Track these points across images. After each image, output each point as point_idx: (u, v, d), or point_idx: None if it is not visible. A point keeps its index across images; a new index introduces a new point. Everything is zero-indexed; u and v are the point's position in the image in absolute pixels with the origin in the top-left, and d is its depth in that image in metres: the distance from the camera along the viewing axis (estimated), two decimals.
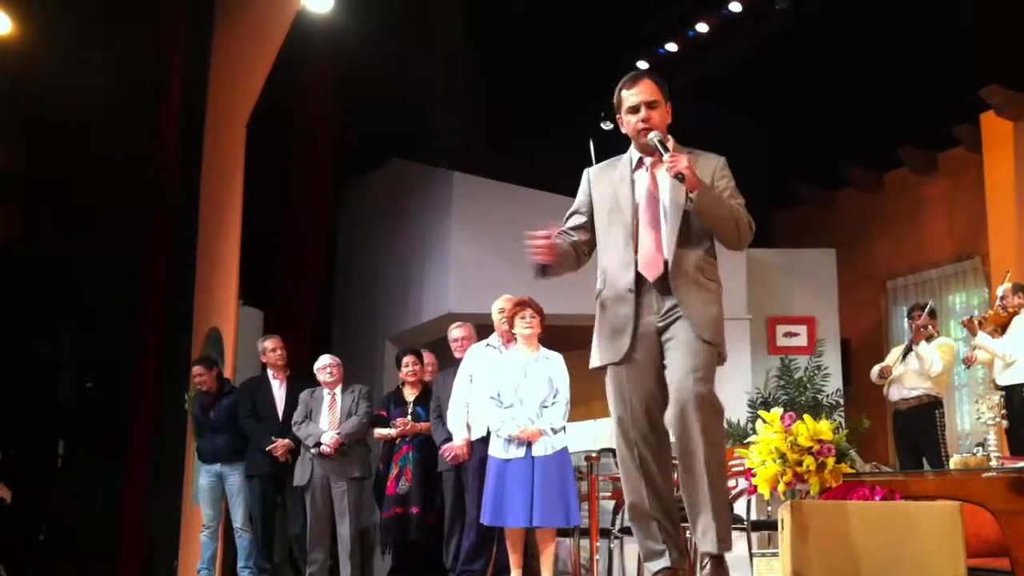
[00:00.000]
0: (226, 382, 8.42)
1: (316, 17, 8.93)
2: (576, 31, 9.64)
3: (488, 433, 6.31)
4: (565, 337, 7.82)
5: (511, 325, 6.21)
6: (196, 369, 8.37)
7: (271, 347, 8.23)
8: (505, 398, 6.04)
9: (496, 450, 6.00)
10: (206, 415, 8.23)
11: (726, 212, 3.81)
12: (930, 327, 8.17)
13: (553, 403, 6.02)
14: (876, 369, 8.45)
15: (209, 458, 8.23)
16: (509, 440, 5.95)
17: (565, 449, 6.01)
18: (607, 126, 9.73)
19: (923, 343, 8.10)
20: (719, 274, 3.92)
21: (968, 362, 7.95)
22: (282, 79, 9.48)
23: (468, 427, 6.54)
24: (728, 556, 3.84)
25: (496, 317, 6.60)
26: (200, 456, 8.34)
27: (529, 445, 5.91)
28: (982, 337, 7.51)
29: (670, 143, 3.85)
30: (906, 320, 8.81)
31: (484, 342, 6.73)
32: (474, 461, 6.44)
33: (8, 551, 9.14)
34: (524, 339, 6.15)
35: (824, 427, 4.11)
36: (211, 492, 8.23)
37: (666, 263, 3.81)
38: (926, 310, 8.24)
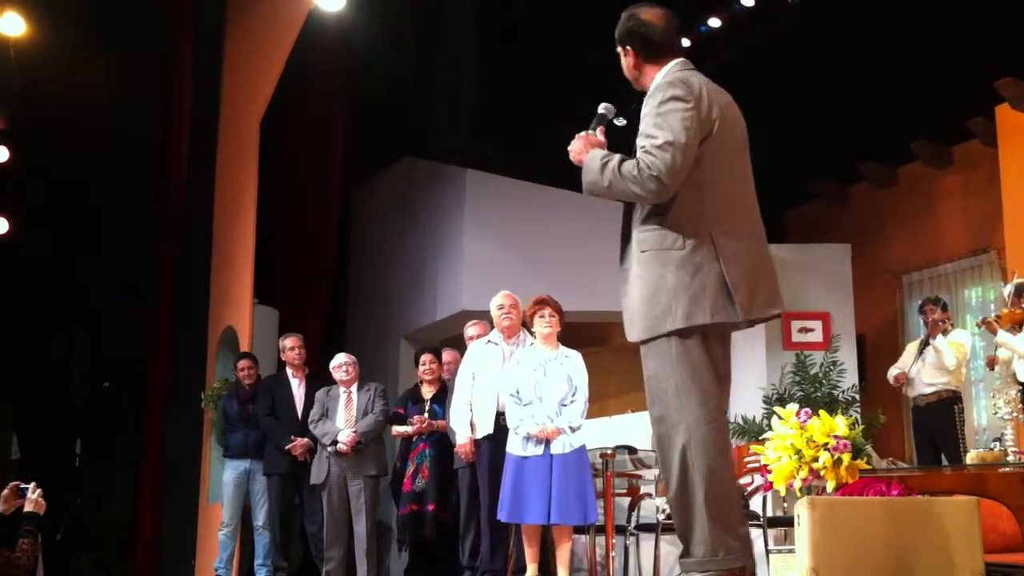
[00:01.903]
0: (260, 378, 8.49)
1: (328, 16, 8.95)
2: (587, 26, 9.63)
3: (495, 430, 6.32)
4: (581, 334, 7.82)
5: (531, 324, 6.22)
6: (243, 363, 8.42)
7: (291, 346, 8.25)
8: (524, 396, 6.04)
9: (514, 447, 6.01)
10: (244, 407, 8.28)
11: (606, 179, 3.40)
12: (945, 321, 8.16)
13: (572, 401, 6.02)
14: (891, 374, 8.42)
15: (239, 453, 8.26)
16: (527, 438, 5.95)
17: (583, 447, 6.01)
18: (620, 122, 9.72)
19: (939, 337, 8.08)
20: (685, 231, 3.40)
21: (991, 364, 7.89)
22: (294, 77, 9.50)
23: (472, 425, 6.50)
24: None
25: (495, 313, 6.59)
26: (228, 451, 8.38)
27: (547, 443, 5.92)
28: (1003, 335, 7.46)
29: (662, 108, 3.45)
30: (919, 315, 8.76)
31: (485, 339, 6.73)
32: (484, 460, 6.43)
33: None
34: (543, 338, 6.16)
35: (840, 423, 4.10)
36: (237, 489, 8.26)
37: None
38: (939, 305, 8.23)
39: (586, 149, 3.54)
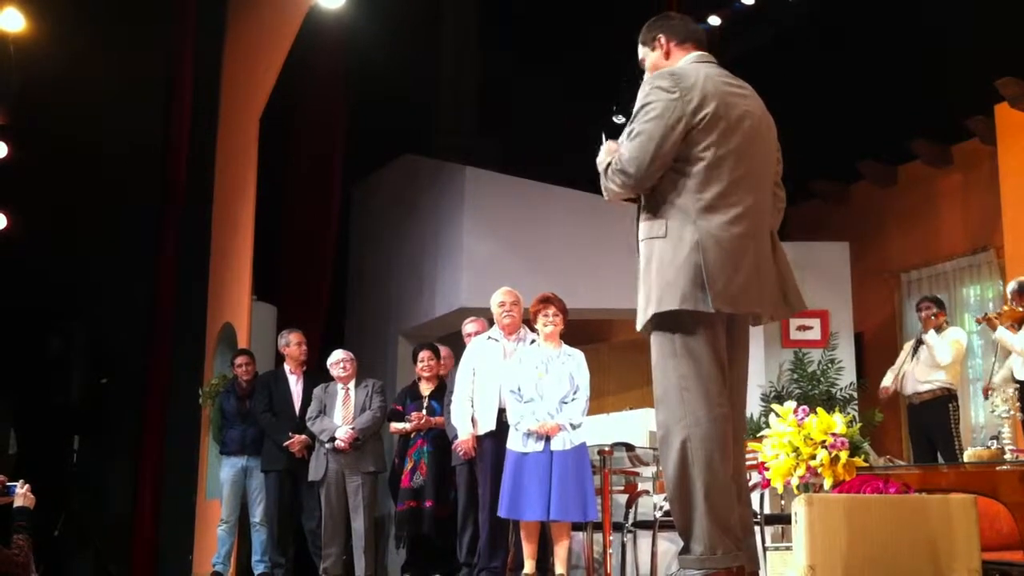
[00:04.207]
0: (257, 375, 8.48)
1: (328, 12, 8.95)
2: (587, 25, 9.64)
3: (496, 427, 6.32)
4: (579, 331, 7.82)
5: (534, 321, 6.22)
6: (241, 359, 8.42)
7: (297, 341, 8.23)
8: (525, 393, 6.05)
9: (514, 444, 6.01)
10: (242, 404, 8.28)
11: (602, 181, 3.56)
12: (938, 317, 8.17)
13: (573, 399, 6.03)
14: (886, 379, 8.43)
15: (236, 449, 8.25)
16: (528, 434, 5.96)
17: (583, 445, 6.01)
18: (619, 120, 9.73)
19: (932, 332, 8.10)
20: (669, 219, 3.44)
21: (986, 393, 7.89)
22: (294, 74, 9.50)
23: (474, 421, 6.50)
24: None
25: (496, 310, 6.59)
26: (225, 448, 8.37)
27: (547, 439, 5.92)
28: (1001, 332, 7.48)
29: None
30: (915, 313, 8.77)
31: (485, 335, 6.73)
32: (486, 457, 6.42)
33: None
34: (546, 336, 6.16)
35: (837, 421, 4.10)
36: (234, 486, 8.25)
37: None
38: (935, 303, 8.25)
39: (607, 156, 3.57)
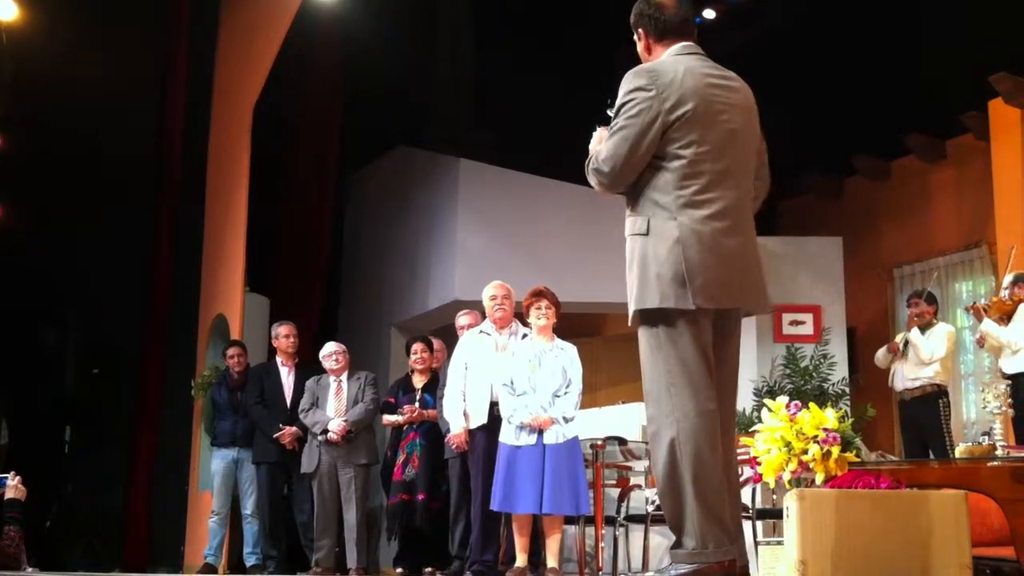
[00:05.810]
0: (249, 367, 8.47)
1: (322, 4, 8.93)
2: (583, 18, 9.62)
3: (488, 421, 6.32)
4: (572, 325, 7.81)
5: (527, 315, 6.22)
6: (233, 350, 8.41)
7: (285, 333, 8.22)
8: (518, 386, 6.04)
9: (507, 437, 6.01)
10: (234, 395, 8.27)
11: (587, 173, 3.55)
12: (925, 315, 8.18)
13: (566, 393, 6.03)
14: (882, 350, 8.44)
15: (227, 441, 8.25)
16: (521, 427, 5.95)
17: (576, 438, 6.02)
18: (612, 112, 9.70)
19: (915, 331, 8.11)
20: (651, 215, 3.42)
21: (981, 343, 7.91)
22: (288, 66, 9.47)
23: (466, 415, 6.50)
24: None
25: (488, 304, 6.59)
26: (217, 440, 8.37)
27: (540, 433, 5.92)
28: (987, 324, 7.50)
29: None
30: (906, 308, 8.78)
31: (477, 328, 6.74)
32: (478, 450, 6.43)
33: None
34: (539, 329, 6.16)
35: (830, 416, 4.11)
36: (225, 478, 8.25)
37: None
38: (923, 298, 8.26)
39: (596, 145, 3.57)
